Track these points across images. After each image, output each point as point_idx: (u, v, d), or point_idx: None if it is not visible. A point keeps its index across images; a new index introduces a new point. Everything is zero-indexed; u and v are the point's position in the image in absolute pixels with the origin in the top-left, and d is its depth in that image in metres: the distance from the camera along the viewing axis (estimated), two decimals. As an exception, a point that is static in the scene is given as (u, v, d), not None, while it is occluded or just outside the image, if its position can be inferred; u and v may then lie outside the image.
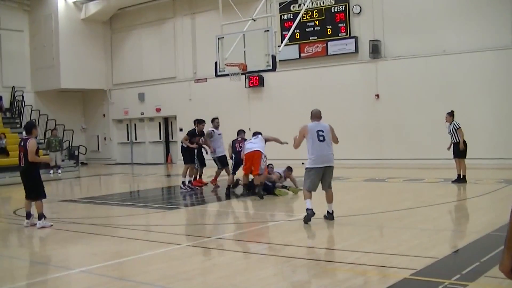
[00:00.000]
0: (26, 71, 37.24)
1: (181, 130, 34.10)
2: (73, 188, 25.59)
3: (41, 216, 12.85)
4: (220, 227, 12.96)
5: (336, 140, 12.23)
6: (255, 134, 17.84)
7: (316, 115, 12.34)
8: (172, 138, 36.47)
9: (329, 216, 11.98)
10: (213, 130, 19.89)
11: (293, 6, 29.03)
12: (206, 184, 20.72)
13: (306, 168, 12.08)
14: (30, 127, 13.63)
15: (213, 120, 20.23)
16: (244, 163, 17.24)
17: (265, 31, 19.91)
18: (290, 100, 28.87)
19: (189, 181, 19.90)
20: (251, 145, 17.15)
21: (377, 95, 26.91)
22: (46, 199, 13.34)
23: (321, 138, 11.91)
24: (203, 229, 12.78)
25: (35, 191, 13.01)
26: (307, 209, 11.78)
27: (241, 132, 19.10)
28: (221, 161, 19.65)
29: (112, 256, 9.65)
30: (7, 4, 36.22)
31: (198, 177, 20.81)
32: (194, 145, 19.83)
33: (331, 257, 9.15)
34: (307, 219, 11.78)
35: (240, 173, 17.99)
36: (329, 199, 12.01)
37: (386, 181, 20.35)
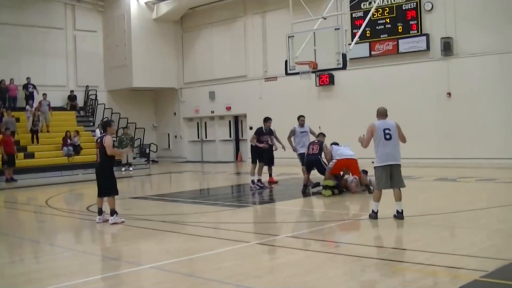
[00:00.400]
0: (99, 71, 38.00)
1: (251, 128, 34.23)
2: (144, 185, 25.95)
3: (113, 212, 13.06)
4: (289, 225, 12.93)
5: (403, 139, 12.07)
6: (319, 137, 18.22)
7: (382, 113, 12.21)
8: (242, 137, 36.63)
9: (399, 215, 11.83)
10: (295, 128, 19.66)
11: (364, 4, 28.77)
12: (276, 182, 20.75)
13: (375, 167, 12.00)
14: (105, 125, 14.28)
15: (298, 118, 19.94)
16: (335, 167, 17.16)
17: (335, 29, 19.83)
18: (361, 98, 28.62)
19: (258, 180, 19.76)
20: (347, 152, 17.38)
21: (449, 93, 26.43)
22: (118, 195, 13.52)
23: (388, 136, 11.82)
24: (272, 227, 12.76)
25: (108, 188, 13.21)
26: (372, 211, 11.81)
27: (320, 135, 18.72)
28: (302, 158, 19.18)
29: (182, 253, 9.74)
30: (82, 6, 37.04)
31: (267, 175, 20.67)
32: (263, 145, 19.74)
33: (401, 257, 9.01)
34: (372, 217, 11.93)
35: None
36: (398, 198, 11.87)
37: (458, 180, 19.98)
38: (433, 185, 19.46)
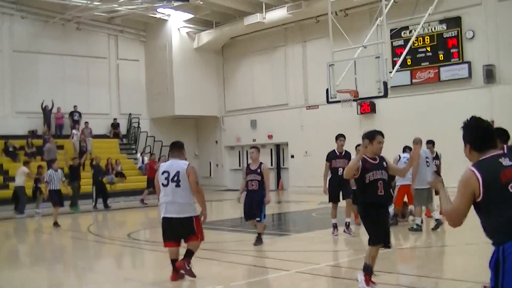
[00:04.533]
0: (142, 99, 38.49)
1: (292, 157, 34.31)
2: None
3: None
4: (330, 254, 12.89)
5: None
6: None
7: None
8: (283, 165, 36.64)
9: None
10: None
11: (404, 33, 28.74)
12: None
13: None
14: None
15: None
16: (398, 194, 16.24)
17: (376, 57, 19.89)
18: (403, 126, 28.42)
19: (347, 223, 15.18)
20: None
21: (493, 121, 26.05)
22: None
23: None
24: (313, 255, 12.74)
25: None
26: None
27: None
28: None
29: (221, 281, 9.77)
30: (125, 36, 37.65)
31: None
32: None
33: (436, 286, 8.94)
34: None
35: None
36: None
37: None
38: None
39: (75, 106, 33.83)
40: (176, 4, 32.92)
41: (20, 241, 18.65)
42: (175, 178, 9.64)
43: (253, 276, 10.03)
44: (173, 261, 9.94)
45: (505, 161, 4.56)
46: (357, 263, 11.29)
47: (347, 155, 14.86)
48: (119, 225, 21.94)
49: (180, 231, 9.82)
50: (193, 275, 9.85)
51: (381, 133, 9.04)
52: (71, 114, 33.75)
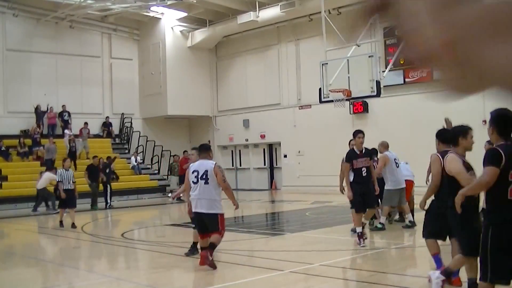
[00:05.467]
0: (134, 98, 38.40)
1: (285, 156, 34.30)
2: (181, 212, 25.99)
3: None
4: (324, 253, 12.86)
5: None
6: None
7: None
8: (276, 165, 36.63)
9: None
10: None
11: (397, 31, 28.69)
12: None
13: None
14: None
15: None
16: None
17: (369, 56, 19.86)
18: (395, 126, 28.48)
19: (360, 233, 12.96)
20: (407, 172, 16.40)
21: (485, 121, 26.16)
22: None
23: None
24: (307, 255, 12.72)
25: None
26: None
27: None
28: None
29: (215, 281, 9.75)
30: (118, 35, 37.55)
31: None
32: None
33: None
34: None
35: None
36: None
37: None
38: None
39: (63, 106, 33.65)
40: (169, 2, 32.89)
41: (19, 240, 18.59)
42: (204, 176, 10.61)
43: (247, 276, 9.99)
44: (202, 248, 10.91)
45: None
46: (351, 262, 11.29)
47: (368, 153, 13.52)
48: (114, 224, 21.89)
49: (208, 225, 10.75)
50: (214, 267, 10.46)
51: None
52: (61, 114, 33.61)
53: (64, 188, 19.22)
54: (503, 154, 5.93)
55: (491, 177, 5.92)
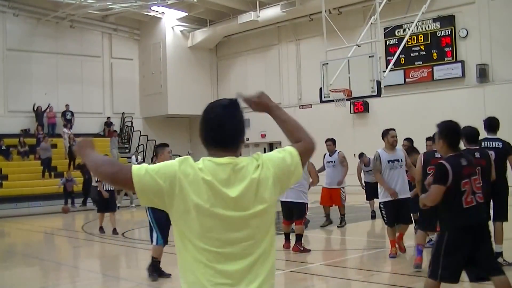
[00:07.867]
0: (135, 98, 38.37)
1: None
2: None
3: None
4: (324, 253, 12.89)
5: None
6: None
7: None
8: (276, 164, 36.55)
9: None
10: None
11: (398, 31, 28.71)
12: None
13: None
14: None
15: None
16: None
17: (369, 56, 19.88)
18: (396, 125, 27.91)
19: None
20: None
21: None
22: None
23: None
24: (307, 255, 12.72)
25: None
26: None
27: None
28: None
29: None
30: (119, 35, 37.51)
31: None
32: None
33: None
34: None
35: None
36: None
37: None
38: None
39: (67, 105, 33.65)
40: (170, 2, 32.87)
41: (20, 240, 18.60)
42: None
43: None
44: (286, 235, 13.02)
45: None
46: (351, 262, 11.30)
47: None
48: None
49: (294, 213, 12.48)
50: (308, 250, 12.23)
51: None
52: (64, 113, 33.58)
53: (105, 189, 16.82)
54: (450, 169, 6.33)
55: (435, 196, 6.41)
